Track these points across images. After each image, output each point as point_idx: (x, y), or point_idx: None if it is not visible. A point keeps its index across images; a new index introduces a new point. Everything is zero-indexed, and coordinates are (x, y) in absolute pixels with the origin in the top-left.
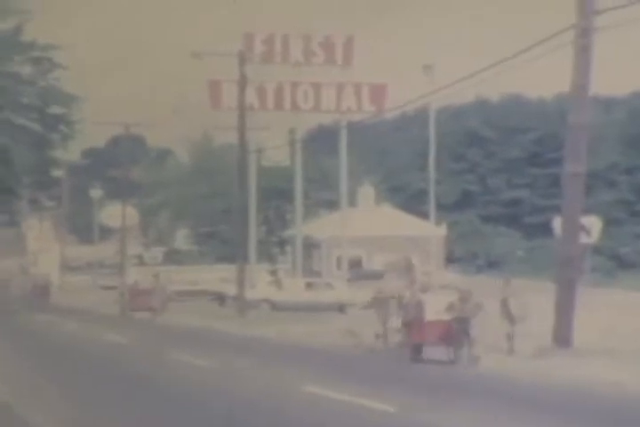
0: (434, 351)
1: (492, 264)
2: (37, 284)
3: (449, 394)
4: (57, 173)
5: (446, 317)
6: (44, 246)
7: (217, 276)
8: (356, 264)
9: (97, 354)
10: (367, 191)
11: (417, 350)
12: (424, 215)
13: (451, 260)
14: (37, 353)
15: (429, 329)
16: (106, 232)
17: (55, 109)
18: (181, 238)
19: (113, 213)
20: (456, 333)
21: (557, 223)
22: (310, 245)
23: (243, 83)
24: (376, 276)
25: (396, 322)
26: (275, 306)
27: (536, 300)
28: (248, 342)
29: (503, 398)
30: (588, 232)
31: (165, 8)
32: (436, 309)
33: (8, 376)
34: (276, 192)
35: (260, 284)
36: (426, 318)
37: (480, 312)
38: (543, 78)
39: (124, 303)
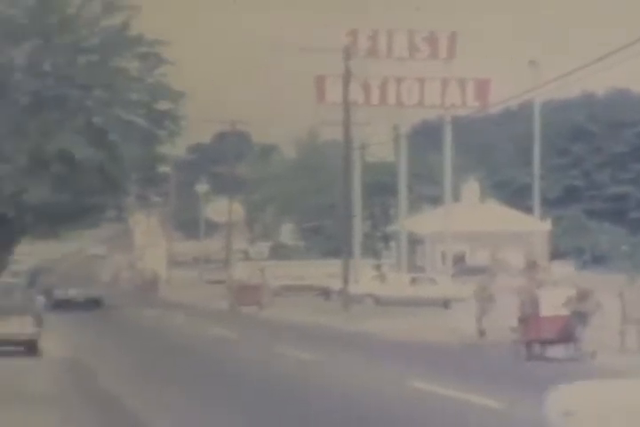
0: (550, 348)
1: (597, 260)
2: (146, 278)
3: None
4: (164, 168)
5: (564, 312)
6: (151, 242)
7: (322, 271)
8: (459, 259)
9: (205, 348)
10: (471, 186)
11: (533, 347)
12: (528, 210)
13: (555, 255)
14: (150, 347)
15: (546, 325)
16: (211, 227)
17: (162, 105)
18: (287, 233)
19: (219, 209)
20: (574, 328)
21: None
22: (414, 241)
23: (347, 78)
24: (480, 271)
25: (503, 318)
26: (379, 301)
27: None
28: (352, 337)
29: None
30: None
31: (270, 4)
32: (552, 304)
33: (123, 373)
34: (380, 187)
35: (365, 279)
36: (542, 314)
37: (599, 310)
38: None
39: (232, 298)
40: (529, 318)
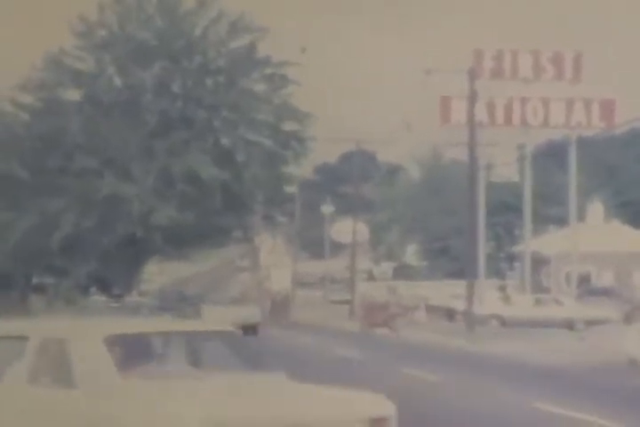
0: None
1: None
2: (276, 299)
3: None
4: (290, 188)
5: None
6: (276, 261)
7: (446, 291)
8: (585, 280)
9: (334, 368)
10: (596, 207)
11: None
12: None
13: None
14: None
15: None
16: (336, 248)
17: (288, 126)
18: (411, 254)
19: (343, 229)
20: None
21: None
22: (539, 261)
23: (473, 99)
24: (605, 292)
25: None
26: (503, 322)
27: None
28: (477, 358)
29: None
30: None
31: (396, 26)
32: None
33: None
34: (505, 208)
35: (489, 299)
36: None
37: None
38: None
39: (361, 319)
40: None
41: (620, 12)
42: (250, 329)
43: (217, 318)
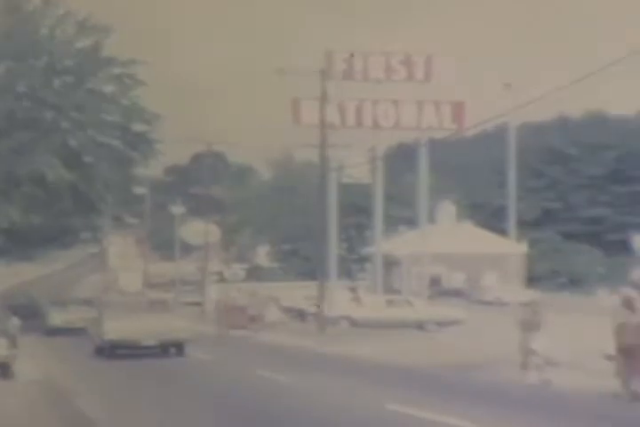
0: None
1: (574, 282)
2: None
3: None
4: (139, 190)
5: None
6: (126, 263)
7: (298, 292)
8: (435, 281)
9: (186, 369)
10: (447, 209)
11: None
12: (504, 233)
13: (531, 277)
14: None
15: None
16: (187, 249)
17: (137, 127)
18: (263, 255)
19: (194, 230)
20: None
21: (637, 241)
22: (390, 263)
23: (324, 100)
24: (456, 293)
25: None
26: (354, 323)
27: None
28: (328, 360)
29: None
30: None
31: (250, 25)
32: None
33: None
34: (357, 209)
35: (340, 301)
36: None
37: None
38: (626, 95)
39: (218, 321)
40: (634, 349)
41: (471, 14)
42: (173, 347)
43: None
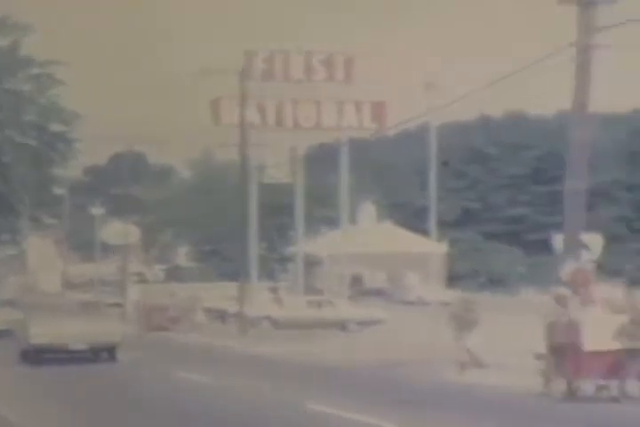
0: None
1: (494, 281)
2: None
3: None
4: (58, 190)
5: (615, 345)
6: (45, 264)
7: (219, 293)
8: (357, 281)
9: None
10: (368, 208)
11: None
12: (425, 233)
13: (452, 277)
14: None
15: (591, 362)
16: (107, 250)
17: (56, 127)
18: (183, 256)
19: (114, 231)
20: (627, 366)
21: (557, 240)
22: (312, 263)
23: (244, 100)
24: (378, 293)
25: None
26: (276, 323)
27: None
28: (249, 360)
29: None
30: (589, 249)
31: (168, 25)
32: (599, 333)
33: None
34: (278, 209)
35: (262, 301)
36: (585, 347)
37: None
38: (545, 95)
39: (139, 322)
40: (565, 349)
41: (392, 14)
42: (104, 351)
43: None
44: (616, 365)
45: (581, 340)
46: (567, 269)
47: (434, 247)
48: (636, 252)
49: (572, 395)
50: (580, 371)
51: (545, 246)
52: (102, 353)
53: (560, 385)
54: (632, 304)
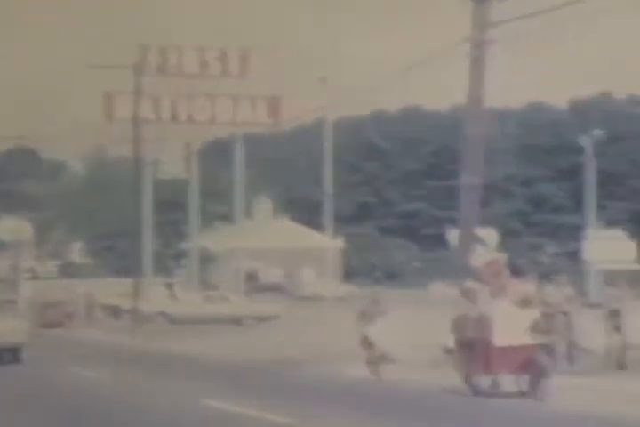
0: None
1: (390, 276)
2: None
3: None
4: None
5: (527, 340)
6: None
7: (113, 289)
8: (253, 276)
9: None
10: (264, 204)
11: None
12: (321, 228)
13: (348, 272)
14: None
15: (501, 357)
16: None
17: None
18: (77, 252)
19: (6, 227)
20: (538, 361)
21: (452, 235)
22: (207, 258)
23: (138, 94)
24: (274, 288)
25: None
26: (171, 319)
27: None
28: (142, 356)
29: None
30: (484, 243)
31: (61, 19)
32: (512, 328)
33: None
34: (172, 205)
35: (156, 297)
36: (495, 342)
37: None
38: (440, 90)
39: (33, 319)
40: (475, 344)
41: (288, 9)
42: (7, 352)
43: None
44: (527, 360)
45: (492, 335)
46: (479, 260)
47: (329, 243)
48: (531, 246)
49: (482, 390)
50: (490, 366)
51: (440, 241)
52: (6, 354)
53: (470, 380)
54: (543, 298)
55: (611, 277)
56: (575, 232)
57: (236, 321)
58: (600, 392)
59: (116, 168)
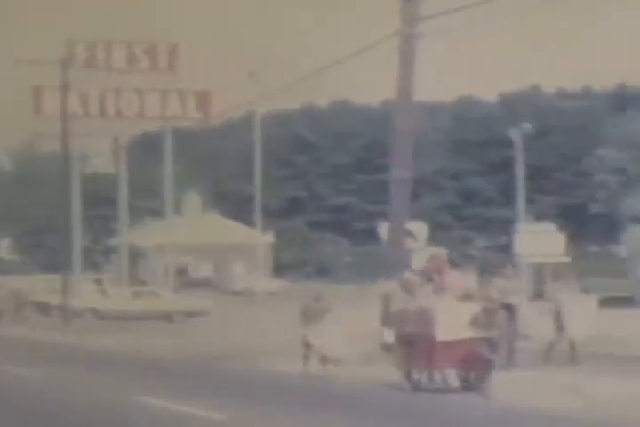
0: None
1: (321, 271)
2: None
3: None
4: None
5: (468, 334)
6: None
7: (41, 286)
8: (183, 272)
9: None
10: (193, 199)
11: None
12: (251, 223)
13: (279, 267)
14: None
15: (444, 352)
16: None
17: None
18: (5, 248)
19: None
20: (480, 356)
21: (382, 229)
22: (136, 254)
23: (65, 89)
24: (204, 283)
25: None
26: (100, 315)
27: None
28: (72, 352)
29: None
30: (414, 237)
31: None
32: (454, 322)
33: None
34: (101, 200)
35: (85, 293)
36: (438, 337)
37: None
38: (371, 84)
39: None
40: (416, 338)
41: (216, 4)
42: None
43: None
44: (470, 354)
45: (434, 329)
46: (421, 255)
47: (260, 237)
48: (461, 239)
49: (422, 386)
50: (433, 361)
51: (371, 235)
52: None
53: (410, 376)
54: (484, 292)
55: (538, 270)
56: (505, 226)
57: (167, 317)
58: (537, 386)
59: (44, 163)
